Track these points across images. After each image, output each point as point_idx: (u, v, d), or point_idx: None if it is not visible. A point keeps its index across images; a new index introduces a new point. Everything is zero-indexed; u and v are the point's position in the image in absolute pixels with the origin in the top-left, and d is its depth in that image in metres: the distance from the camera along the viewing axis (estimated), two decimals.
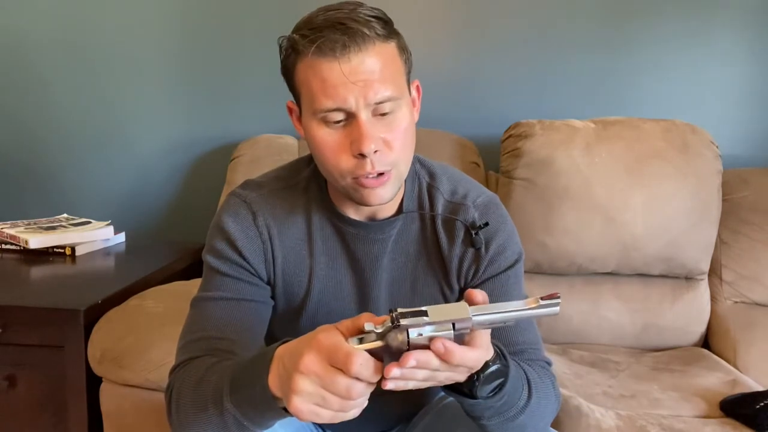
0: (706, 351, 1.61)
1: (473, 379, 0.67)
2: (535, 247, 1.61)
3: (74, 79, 2.06)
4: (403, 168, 0.82)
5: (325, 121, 0.78)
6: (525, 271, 1.65)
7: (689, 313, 1.65)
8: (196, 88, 2.03)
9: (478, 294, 0.63)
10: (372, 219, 0.89)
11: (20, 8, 2.04)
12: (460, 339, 0.61)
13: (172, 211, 2.10)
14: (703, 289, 1.67)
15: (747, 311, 1.63)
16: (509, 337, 0.86)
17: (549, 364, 0.89)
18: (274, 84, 1.97)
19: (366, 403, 0.62)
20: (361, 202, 0.82)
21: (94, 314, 1.41)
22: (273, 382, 0.65)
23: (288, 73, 0.82)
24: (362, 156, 0.77)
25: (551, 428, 0.89)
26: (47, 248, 1.76)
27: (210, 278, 0.88)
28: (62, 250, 1.77)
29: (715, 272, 1.69)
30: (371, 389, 0.61)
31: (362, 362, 0.58)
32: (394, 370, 0.58)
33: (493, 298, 0.88)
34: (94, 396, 1.40)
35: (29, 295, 1.45)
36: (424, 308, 0.59)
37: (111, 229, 1.89)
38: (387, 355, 0.60)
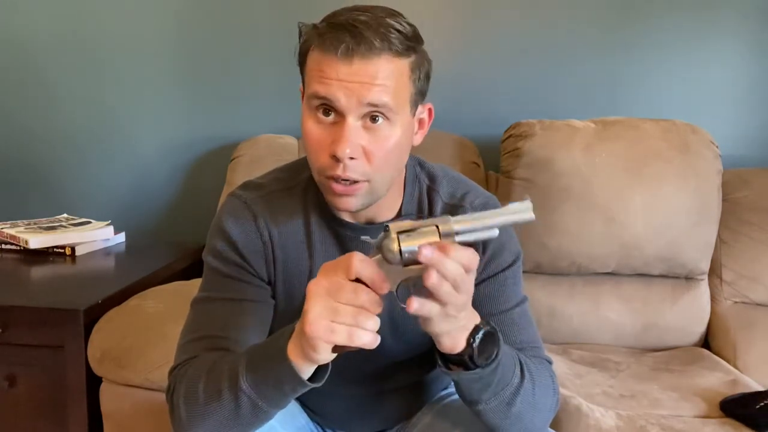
0: (706, 351, 1.61)
1: (470, 343, 0.70)
2: (536, 247, 1.61)
3: (74, 78, 2.06)
4: (379, 184, 0.81)
5: (316, 111, 0.78)
6: (525, 271, 1.66)
7: (689, 313, 1.64)
8: (196, 88, 2.03)
9: None
10: (371, 222, 0.89)
11: (20, 9, 2.04)
12: None
13: (172, 211, 2.10)
14: (703, 289, 1.67)
15: (747, 311, 1.63)
16: (508, 337, 0.86)
17: (549, 362, 0.89)
18: (274, 84, 1.98)
19: (378, 324, 0.64)
20: (330, 204, 0.83)
21: (94, 314, 1.41)
22: (292, 349, 0.68)
23: (301, 57, 0.82)
24: (336, 159, 0.77)
25: (550, 429, 0.89)
26: (47, 248, 1.76)
27: (210, 279, 0.88)
28: (62, 250, 1.77)
29: (715, 272, 1.69)
30: (379, 298, 0.64)
31: (360, 259, 0.63)
32: (430, 278, 0.62)
33: (492, 299, 0.88)
34: (94, 396, 1.40)
35: (29, 295, 1.45)
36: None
37: (111, 229, 1.89)
38: (387, 272, 0.64)
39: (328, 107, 0.77)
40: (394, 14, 0.78)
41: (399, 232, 0.64)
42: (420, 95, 0.83)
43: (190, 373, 0.78)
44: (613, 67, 1.88)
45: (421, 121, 0.86)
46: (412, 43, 0.78)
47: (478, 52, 1.92)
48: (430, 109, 0.87)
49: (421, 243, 0.63)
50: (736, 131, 1.87)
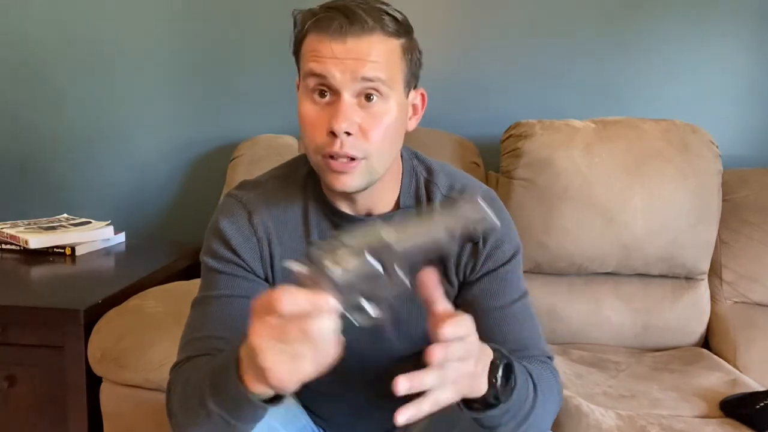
0: (706, 351, 1.61)
1: (493, 383, 0.69)
2: (535, 247, 1.61)
3: (74, 79, 2.06)
4: (376, 162, 0.81)
5: (312, 93, 0.80)
6: (525, 271, 1.66)
7: (689, 313, 1.64)
8: (196, 88, 2.03)
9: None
10: (368, 214, 0.90)
11: (21, 9, 2.04)
12: (401, 279, 0.58)
13: (172, 211, 2.10)
14: (703, 289, 1.67)
15: (747, 311, 1.63)
16: (507, 335, 0.86)
17: (551, 358, 0.89)
18: (273, 84, 1.98)
19: (335, 323, 0.57)
20: (327, 185, 0.84)
21: (94, 314, 1.41)
22: (249, 379, 0.63)
23: (297, 46, 0.83)
24: (334, 134, 0.78)
25: (551, 429, 0.89)
26: (47, 248, 1.76)
27: (208, 278, 0.89)
28: (62, 250, 1.77)
29: (715, 272, 1.69)
30: (330, 321, 0.56)
31: (286, 294, 0.55)
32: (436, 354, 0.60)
33: (492, 295, 0.88)
34: (94, 396, 1.40)
35: (29, 295, 1.45)
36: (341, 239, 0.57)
37: (111, 229, 1.89)
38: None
39: (323, 89, 0.79)
40: (386, 4, 0.81)
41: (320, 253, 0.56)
42: (413, 78, 0.85)
43: (177, 381, 0.79)
44: (614, 67, 1.88)
45: (414, 107, 0.87)
46: (403, 27, 0.81)
47: (478, 52, 1.92)
48: (423, 95, 0.88)
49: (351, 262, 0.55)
50: (736, 131, 1.87)
